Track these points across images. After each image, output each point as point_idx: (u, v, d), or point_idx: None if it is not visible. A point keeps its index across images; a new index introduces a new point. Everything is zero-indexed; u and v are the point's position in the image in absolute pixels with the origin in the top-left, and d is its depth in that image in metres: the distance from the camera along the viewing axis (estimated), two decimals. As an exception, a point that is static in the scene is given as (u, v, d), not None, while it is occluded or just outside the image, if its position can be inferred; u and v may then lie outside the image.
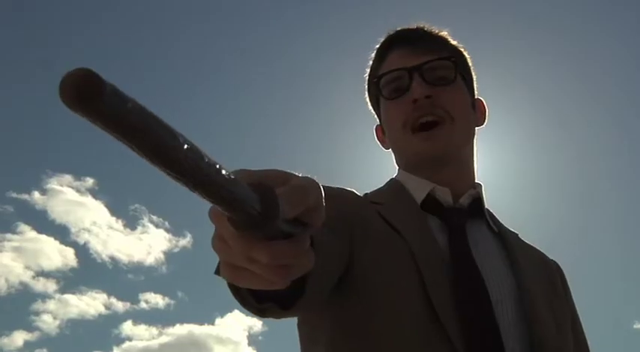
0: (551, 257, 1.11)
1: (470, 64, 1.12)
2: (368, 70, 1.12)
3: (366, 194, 1.04)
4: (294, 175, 0.40)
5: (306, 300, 0.65)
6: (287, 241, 0.38)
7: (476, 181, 1.08)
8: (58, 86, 0.25)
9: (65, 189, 14.02)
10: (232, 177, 0.33)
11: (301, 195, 0.38)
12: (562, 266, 1.11)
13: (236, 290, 0.63)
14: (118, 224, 14.60)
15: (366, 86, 1.13)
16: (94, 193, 14.51)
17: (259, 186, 0.35)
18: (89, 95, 0.25)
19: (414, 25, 1.10)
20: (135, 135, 0.27)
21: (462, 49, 1.11)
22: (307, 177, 0.40)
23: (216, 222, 0.39)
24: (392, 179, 1.09)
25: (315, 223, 0.40)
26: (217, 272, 0.67)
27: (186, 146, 0.30)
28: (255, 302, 0.62)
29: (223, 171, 0.32)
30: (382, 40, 1.10)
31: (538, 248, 1.11)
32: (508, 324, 0.87)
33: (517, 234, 1.09)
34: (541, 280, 1.00)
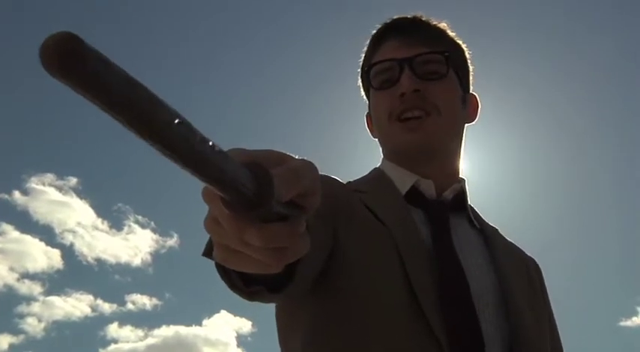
0: (538, 255, 1.11)
1: (467, 58, 1.10)
2: (362, 57, 1.11)
3: (349, 182, 1.03)
4: (291, 157, 0.39)
5: (296, 284, 0.64)
6: (281, 223, 0.37)
7: (460, 176, 1.07)
8: (38, 52, 0.24)
9: (47, 188, 13.71)
10: (226, 154, 0.31)
11: (297, 177, 0.36)
12: (549, 264, 1.12)
13: (224, 273, 0.62)
14: (104, 225, 14.36)
15: (359, 73, 1.12)
16: (78, 193, 14.28)
17: (253, 165, 0.34)
18: (70, 59, 0.24)
19: (411, 15, 1.08)
20: (120, 105, 0.26)
21: (460, 42, 1.10)
22: (304, 159, 0.39)
23: (209, 203, 0.37)
24: (375, 168, 1.08)
25: (310, 207, 0.39)
26: (205, 254, 0.66)
27: (176, 120, 0.28)
28: (243, 285, 0.62)
29: (216, 149, 0.31)
30: (377, 28, 1.09)
31: (527, 248, 1.11)
32: (489, 319, 0.88)
33: (497, 230, 1.09)
34: (520, 277, 1.00)
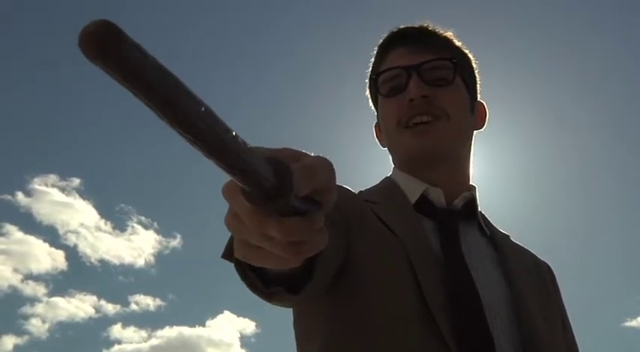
0: (543, 256, 1.12)
1: (473, 66, 1.11)
2: (370, 67, 1.12)
3: (360, 192, 1.04)
4: (308, 154, 0.40)
5: (314, 285, 0.65)
6: (300, 218, 0.38)
7: (470, 184, 1.07)
8: (78, 37, 0.25)
9: (50, 189, 13.65)
10: (248, 146, 0.32)
11: (314, 173, 0.37)
12: (554, 265, 1.11)
13: (244, 274, 0.63)
14: (107, 226, 14.29)
15: (367, 83, 1.13)
16: (81, 193, 14.19)
17: (273, 159, 0.35)
18: (108, 44, 0.25)
19: (417, 24, 1.10)
20: (151, 91, 0.27)
21: (467, 51, 1.11)
22: (320, 156, 0.40)
23: (230, 199, 0.38)
24: (386, 177, 1.09)
25: (327, 203, 0.40)
26: (224, 256, 0.68)
27: (203, 108, 0.29)
28: (263, 286, 0.62)
29: (239, 139, 0.32)
30: (384, 37, 1.10)
31: (530, 249, 1.11)
32: (501, 328, 0.88)
33: (509, 236, 1.09)
34: (533, 283, 1.01)
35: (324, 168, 0.39)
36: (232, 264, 0.65)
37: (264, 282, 0.62)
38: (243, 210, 0.37)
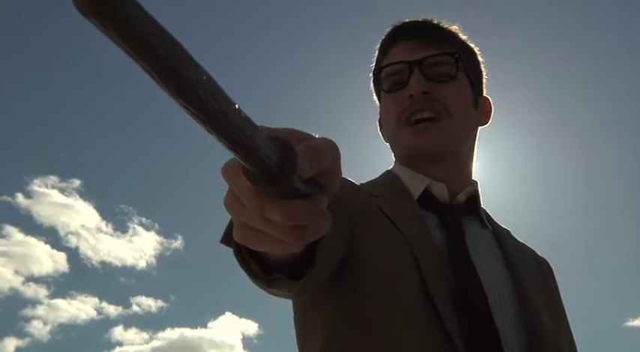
0: (546, 254, 1.11)
1: (479, 61, 1.10)
2: (373, 61, 1.11)
3: (362, 184, 1.03)
4: (312, 135, 0.38)
5: (315, 272, 0.63)
6: (302, 201, 0.36)
7: (473, 179, 1.07)
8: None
9: (50, 190, 13.66)
10: (252, 122, 0.30)
11: (319, 154, 0.36)
12: (557, 263, 1.11)
13: (243, 261, 0.61)
14: (108, 227, 14.22)
15: (371, 77, 1.12)
16: (82, 195, 14.15)
17: (277, 138, 0.33)
18: (106, 1, 0.23)
19: (421, 18, 1.09)
20: (151, 55, 0.25)
21: (472, 46, 1.09)
22: (326, 138, 0.39)
23: (229, 179, 0.37)
24: (387, 171, 1.08)
25: (331, 186, 0.38)
26: (222, 240, 0.67)
27: (205, 77, 0.27)
28: (261, 273, 0.61)
29: (242, 114, 0.30)
30: (388, 31, 1.09)
31: (533, 247, 1.11)
32: (508, 322, 0.88)
33: (509, 231, 1.09)
34: (536, 278, 1.01)
35: (329, 149, 0.37)
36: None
37: (263, 269, 0.61)
38: (243, 190, 0.36)
